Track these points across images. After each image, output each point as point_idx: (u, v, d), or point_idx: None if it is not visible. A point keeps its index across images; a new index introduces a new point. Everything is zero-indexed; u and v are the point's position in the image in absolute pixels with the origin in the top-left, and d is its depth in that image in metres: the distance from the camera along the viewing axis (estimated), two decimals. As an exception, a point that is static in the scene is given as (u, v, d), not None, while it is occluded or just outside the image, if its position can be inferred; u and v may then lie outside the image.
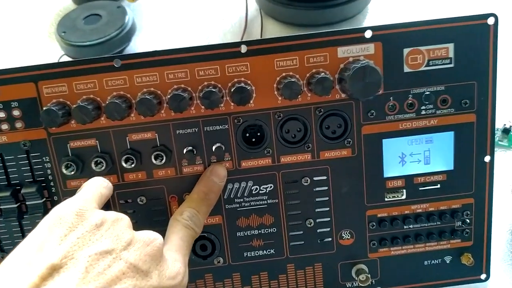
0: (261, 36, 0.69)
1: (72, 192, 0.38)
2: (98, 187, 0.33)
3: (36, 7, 0.78)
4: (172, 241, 0.34)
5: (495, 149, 0.54)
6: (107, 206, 0.39)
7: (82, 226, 0.28)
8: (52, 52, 0.68)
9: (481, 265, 0.42)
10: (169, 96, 0.35)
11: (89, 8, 0.69)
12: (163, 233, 0.35)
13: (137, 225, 0.39)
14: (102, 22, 0.67)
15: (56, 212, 0.29)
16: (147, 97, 0.34)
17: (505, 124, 0.54)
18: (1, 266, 0.27)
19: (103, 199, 0.33)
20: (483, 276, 0.43)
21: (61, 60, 0.65)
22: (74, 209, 0.29)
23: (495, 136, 0.54)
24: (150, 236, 0.30)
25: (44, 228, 0.29)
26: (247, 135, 0.38)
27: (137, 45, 0.70)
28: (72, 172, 0.37)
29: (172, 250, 0.33)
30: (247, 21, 0.71)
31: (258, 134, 0.39)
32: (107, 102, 0.35)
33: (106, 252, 0.27)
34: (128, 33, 0.67)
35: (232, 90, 0.35)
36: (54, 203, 0.39)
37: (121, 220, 0.30)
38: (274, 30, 0.70)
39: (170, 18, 0.74)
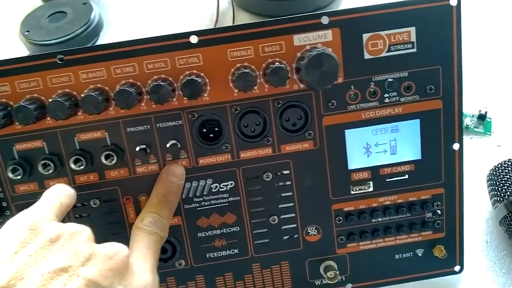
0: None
1: (22, 197, 0.37)
2: (57, 195, 0.31)
3: (6, 6, 0.76)
4: (137, 250, 0.32)
5: (471, 135, 0.53)
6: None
7: (35, 242, 0.26)
8: (20, 52, 0.66)
9: (455, 257, 0.41)
10: (114, 92, 0.33)
11: (54, 6, 0.67)
12: (120, 237, 0.34)
13: (92, 230, 0.38)
14: (67, 20, 0.65)
15: (8, 227, 0.27)
16: (91, 94, 0.33)
17: (480, 110, 0.53)
18: None
19: (63, 209, 0.31)
20: (457, 268, 0.41)
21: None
22: (27, 222, 0.27)
23: (471, 123, 0.53)
24: (112, 248, 0.28)
25: None
26: (204, 130, 0.37)
27: (106, 41, 0.68)
28: (19, 176, 0.35)
29: (139, 260, 0.31)
30: (219, 13, 0.70)
31: (216, 129, 0.37)
32: (49, 101, 0.33)
33: (61, 269, 0.25)
34: (95, 30, 0.65)
35: (182, 83, 0.33)
36: (3, 210, 0.37)
37: (80, 233, 0.28)
38: (246, 22, 0.68)
39: (140, 13, 0.72)
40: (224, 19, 0.70)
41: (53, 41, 0.62)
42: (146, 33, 0.68)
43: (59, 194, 0.31)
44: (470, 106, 0.54)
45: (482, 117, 0.53)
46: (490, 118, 0.53)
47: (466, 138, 0.52)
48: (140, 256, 0.31)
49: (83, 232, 0.28)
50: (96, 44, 0.65)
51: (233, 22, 0.69)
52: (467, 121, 0.53)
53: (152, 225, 0.33)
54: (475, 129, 0.53)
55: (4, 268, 0.24)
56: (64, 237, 0.27)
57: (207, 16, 0.72)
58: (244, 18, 0.69)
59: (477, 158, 0.50)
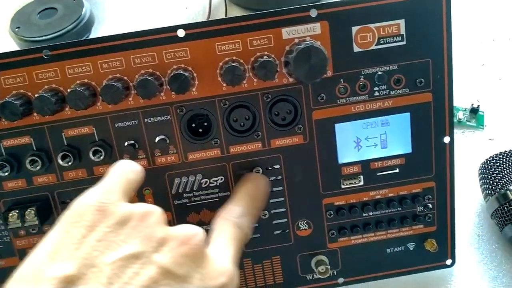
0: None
1: (10, 194, 0.37)
2: (124, 172, 0.28)
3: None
4: (219, 239, 0.29)
5: (464, 129, 0.53)
6: (47, 208, 0.37)
7: (104, 225, 0.23)
8: (10, 49, 0.66)
9: (446, 251, 0.41)
10: (101, 87, 0.33)
11: (44, 2, 0.66)
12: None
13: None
14: (58, 16, 0.64)
15: (74, 207, 0.25)
16: (77, 89, 0.32)
17: (472, 104, 0.53)
18: (11, 280, 0.22)
19: (131, 187, 0.28)
20: (448, 262, 0.41)
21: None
22: (94, 202, 0.24)
23: (464, 116, 0.53)
24: (187, 231, 0.25)
25: (60, 228, 0.24)
26: (193, 125, 0.36)
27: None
28: (7, 173, 0.35)
29: (220, 248, 0.28)
30: (211, 8, 0.69)
31: (205, 124, 0.36)
32: (35, 96, 0.33)
33: (133, 256, 0.23)
34: (86, 26, 0.64)
35: (169, 78, 0.33)
36: (-9, 207, 0.37)
37: (152, 214, 0.25)
38: (238, 16, 0.67)
39: (132, 8, 0.72)
40: (217, 14, 0.70)
41: (43, 38, 0.61)
42: (137, 28, 0.68)
43: (125, 171, 0.28)
44: (463, 100, 0.54)
45: (474, 111, 0.53)
46: (483, 112, 0.53)
47: (458, 132, 0.52)
48: (221, 244, 0.29)
49: (155, 212, 0.25)
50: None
51: (226, 17, 0.68)
52: (459, 115, 0.53)
53: (239, 218, 0.31)
54: (468, 123, 0.53)
55: (72, 254, 0.22)
56: (134, 219, 0.24)
57: (199, 11, 0.71)
58: (236, 13, 0.69)
59: (470, 152, 0.50)
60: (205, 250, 0.26)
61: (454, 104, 0.53)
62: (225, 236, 0.30)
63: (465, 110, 0.53)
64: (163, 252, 0.24)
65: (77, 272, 0.21)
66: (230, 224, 0.31)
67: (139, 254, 0.23)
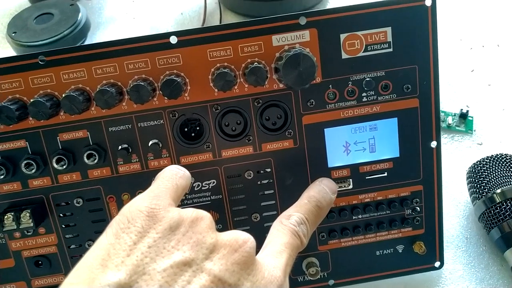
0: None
1: (5, 197, 0.37)
2: (172, 177, 0.28)
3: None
4: (273, 245, 0.29)
5: (453, 134, 0.54)
6: (42, 211, 0.37)
7: (155, 231, 0.23)
8: (7, 54, 0.66)
9: (434, 253, 0.42)
10: (95, 92, 0.33)
11: (41, 7, 0.67)
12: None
13: (76, 229, 0.38)
14: (54, 21, 0.65)
15: (124, 213, 0.24)
16: (72, 94, 0.33)
17: (462, 109, 0.54)
18: (63, 283, 0.22)
19: (179, 192, 0.28)
20: (437, 264, 0.42)
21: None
22: (144, 208, 0.24)
23: (453, 122, 0.54)
24: (238, 238, 0.24)
25: (110, 234, 0.23)
26: (186, 130, 0.37)
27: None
28: (2, 176, 0.36)
29: (272, 256, 0.28)
30: (206, 14, 0.70)
31: (197, 128, 0.37)
32: (30, 101, 0.33)
33: (184, 263, 0.22)
34: (82, 31, 0.65)
35: (161, 83, 0.34)
36: (-14, 210, 0.37)
37: (201, 220, 0.25)
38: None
39: (129, 14, 0.73)
40: (212, 20, 0.71)
41: (40, 42, 0.62)
42: (133, 34, 0.69)
43: (174, 176, 0.28)
44: (452, 105, 0.55)
45: (463, 116, 0.54)
46: (472, 117, 0.54)
47: (448, 137, 0.53)
48: (274, 252, 0.28)
49: (204, 218, 0.25)
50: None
51: (220, 23, 0.69)
52: (449, 120, 0.54)
53: (298, 226, 0.31)
54: (457, 127, 0.54)
55: (124, 261, 0.22)
56: (184, 224, 0.24)
57: (194, 17, 0.72)
58: (231, 18, 0.70)
59: (459, 157, 0.51)
60: (256, 258, 0.25)
61: (444, 109, 0.54)
62: (279, 242, 0.29)
63: (455, 115, 0.54)
64: (214, 260, 0.23)
65: (129, 280, 0.21)
66: (287, 231, 0.30)
67: (190, 262, 0.23)
